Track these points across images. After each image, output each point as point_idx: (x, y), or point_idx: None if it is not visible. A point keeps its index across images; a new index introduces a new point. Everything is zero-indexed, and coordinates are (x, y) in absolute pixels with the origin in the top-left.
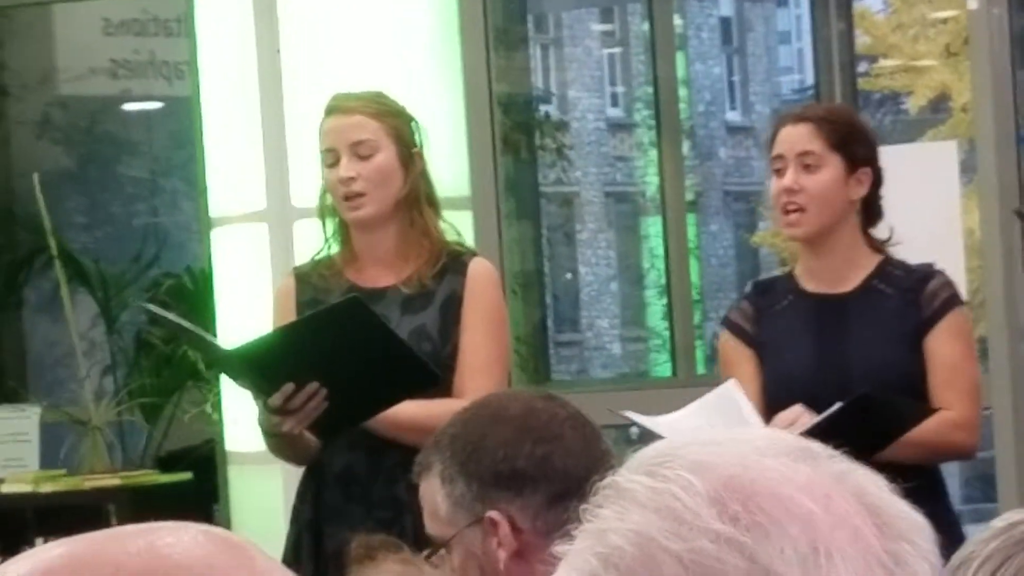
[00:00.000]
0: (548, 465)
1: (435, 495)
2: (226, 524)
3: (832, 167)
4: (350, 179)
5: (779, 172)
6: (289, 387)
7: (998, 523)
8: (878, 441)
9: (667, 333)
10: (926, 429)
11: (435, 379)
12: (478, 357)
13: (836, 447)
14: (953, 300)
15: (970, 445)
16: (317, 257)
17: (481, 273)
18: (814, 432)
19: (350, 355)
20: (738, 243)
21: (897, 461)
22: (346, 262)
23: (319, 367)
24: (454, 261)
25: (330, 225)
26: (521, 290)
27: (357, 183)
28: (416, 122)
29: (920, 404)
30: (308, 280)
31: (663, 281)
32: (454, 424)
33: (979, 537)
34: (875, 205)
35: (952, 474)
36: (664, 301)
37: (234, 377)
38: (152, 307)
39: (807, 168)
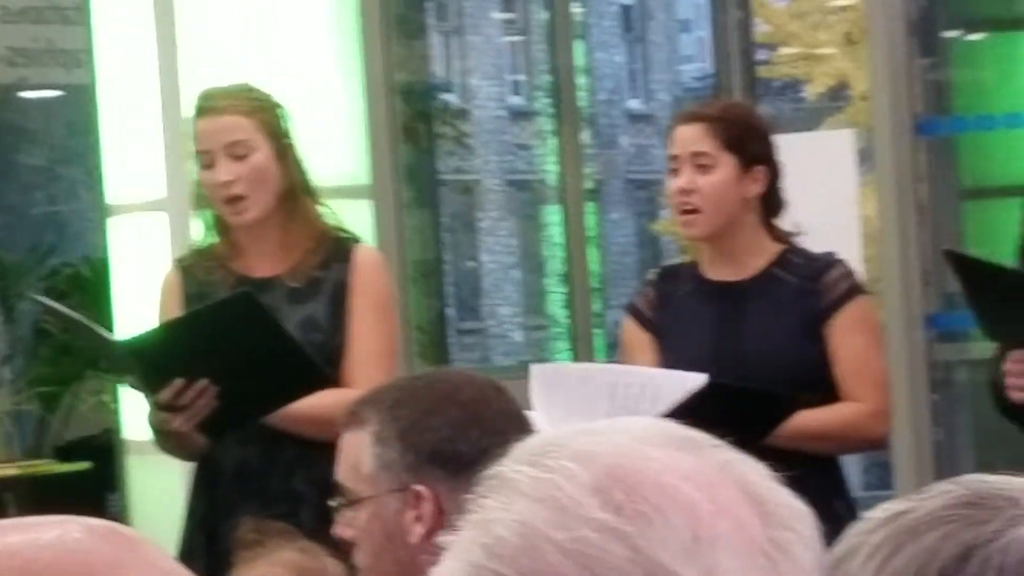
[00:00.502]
0: (488, 457)
1: (362, 451)
2: (124, 513)
3: (725, 167)
4: (229, 182)
5: (674, 172)
6: (179, 383)
7: (879, 513)
8: (757, 430)
9: (567, 321)
10: (841, 422)
11: (326, 381)
12: (368, 346)
13: (720, 435)
14: (854, 289)
15: (883, 435)
16: (199, 247)
17: (368, 261)
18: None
19: (241, 351)
20: (640, 231)
21: (814, 452)
22: (229, 253)
23: (209, 363)
24: (339, 249)
25: (208, 216)
26: (421, 279)
27: (236, 185)
28: (284, 109)
29: (793, 393)
30: (193, 272)
31: (563, 269)
32: (402, 389)
33: (861, 528)
34: (776, 198)
35: (852, 461)
36: (564, 289)
37: (125, 371)
38: (43, 299)
39: (701, 168)
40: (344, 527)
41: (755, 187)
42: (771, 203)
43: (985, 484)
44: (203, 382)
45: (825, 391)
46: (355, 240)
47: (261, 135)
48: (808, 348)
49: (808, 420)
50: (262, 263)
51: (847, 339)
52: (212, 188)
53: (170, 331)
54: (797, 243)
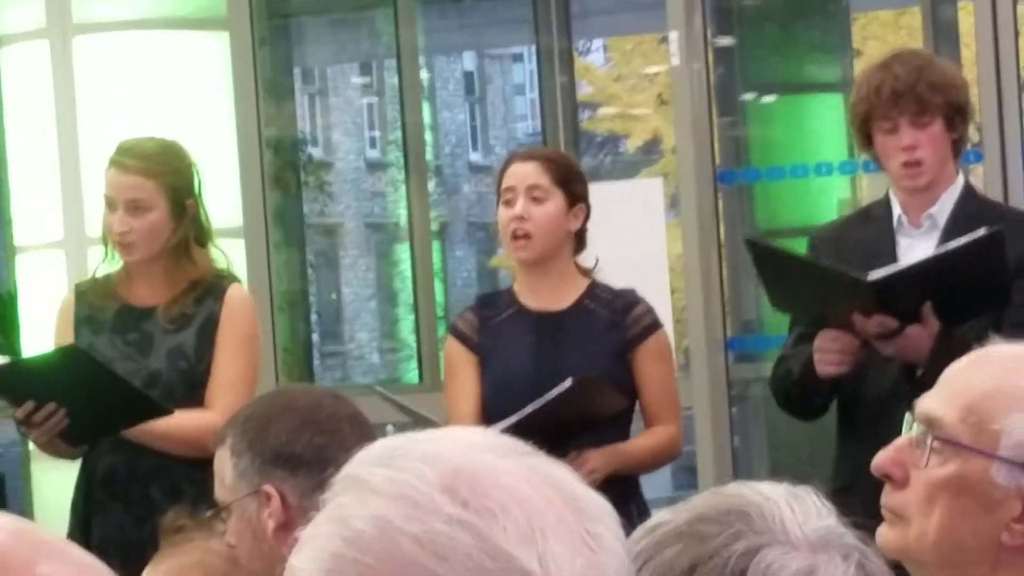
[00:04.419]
0: (323, 454)
1: (224, 465)
2: (30, 515)
3: (556, 200)
4: (124, 232)
5: (508, 203)
6: (29, 405)
7: (648, 522)
8: (575, 430)
9: (415, 345)
10: (662, 446)
11: (164, 411)
12: (226, 375)
13: (533, 442)
14: (655, 324)
15: (681, 450)
16: (99, 276)
17: (236, 299)
18: (528, 420)
19: (83, 386)
20: (479, 266)
21: (641, 471)
22: (121, 282)
23: (55, 392)
24: (215, 287)
25: (110, 248)
26: (288, 308)
27: (129, 235)
28: (196, 168)
29: (618, 396)
30: (85, 298)
31: (412, 300)
32: (251, 406)
33: (632, 536)
34: (583, 237)
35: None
36: (413, 317)
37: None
38: None
39: (535, 200)
40: (229, 535)
41: (576, 222)
42: (579, 241)
43: (729, 498)
44: (51, 406)
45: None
46: (232, 279)
47: (162, 197)
48: (616, 370)
49: (645, 446)
50: (146, 293)
51: (652, 368)
52: (109, 228)
53: (17, 367)
54: (598, 279)
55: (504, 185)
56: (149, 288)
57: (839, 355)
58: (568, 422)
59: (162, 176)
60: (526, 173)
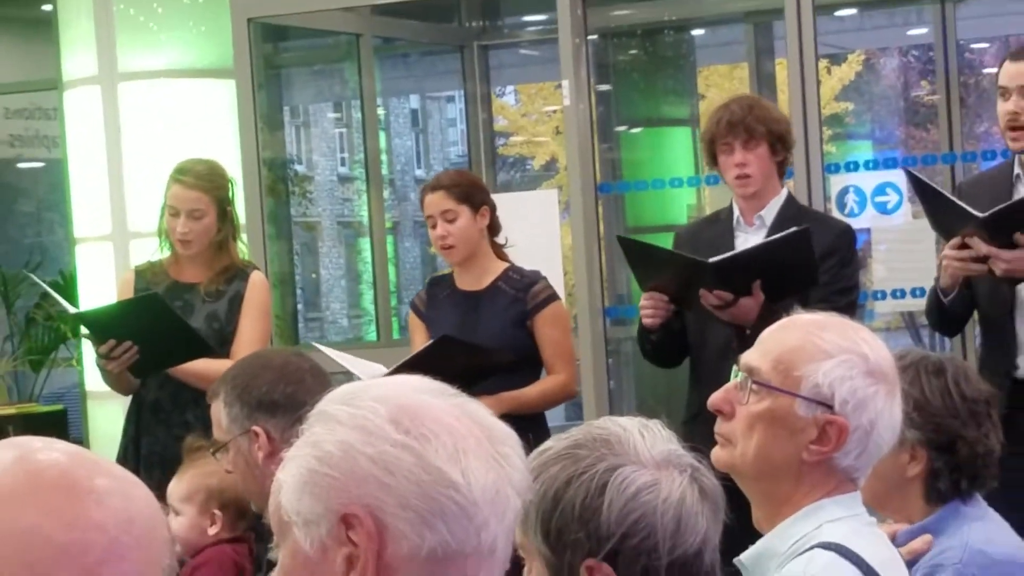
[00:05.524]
0: (294, 399)
1: (220, 413)
2: (86, 440)
3: (464, 214)
4: (185, 233)
5: (433, 227)
6: (112, 342)
7: (540, 447)
8: (475, 374)
9: (374, 312)
10: (554, 390)
11: (211, 350)
12: (246, 336)
13: (453, 384)
14: (551, 298)
15: (575, 392)
16: (153, 260)
17: (257, 282)
18: (416, 363)
19: (152, 328)
20: (423, 253)
21: (537, 410)
22: (170, 265)
23: (132, 332)
24: (241, 271)
25: (166, 241)
26: (280, 285)
27: (189, 235)
28: (232, 182)
29: (498, 351)
30: (144, 275)
31: (372, 279)
32: (237, 367)
33: (529, 456)
34: (495, 224)
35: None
36: (373, 293)
37: (81, 330)
38: (33, 276)
39: (449, 221)
40: (227, 465)
41: (484, 220)
42: (493, 227)
43: (597, 429)
44: (127, 343)
45: (531, 363)
46: (254, 267)
47: (212, 206)
48: (518, 335)
49: (536, 391)
50: (191, 274)
51: (547, 332)
52: (172, 230)
53: (105, 311)
54: (514, 263)
55: (426, 214)
56: (194, 270)
57: (652, 311)
58: (466, 369)
59: (213, 191)
60: (437, 201)
